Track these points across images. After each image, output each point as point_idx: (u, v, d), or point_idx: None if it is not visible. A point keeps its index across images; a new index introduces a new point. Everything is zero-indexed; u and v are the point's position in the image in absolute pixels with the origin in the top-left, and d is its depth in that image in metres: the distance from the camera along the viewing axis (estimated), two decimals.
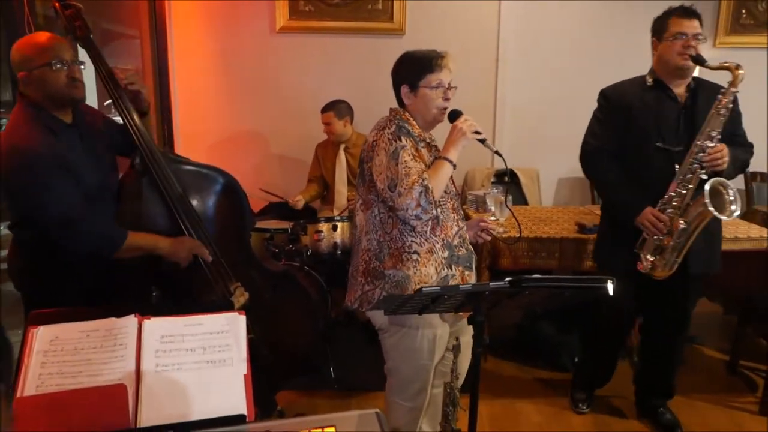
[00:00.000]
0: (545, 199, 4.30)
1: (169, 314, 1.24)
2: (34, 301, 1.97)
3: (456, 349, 1.96)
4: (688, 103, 2.37)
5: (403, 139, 1.91)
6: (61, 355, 1.14)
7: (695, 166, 2.25)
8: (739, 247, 2.91)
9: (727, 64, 2.23)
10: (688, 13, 2.33)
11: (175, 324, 1.22)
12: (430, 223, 1.94)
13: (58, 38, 1.95)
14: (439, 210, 1.95)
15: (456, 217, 2.03)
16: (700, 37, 2.31)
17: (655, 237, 2.34)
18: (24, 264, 2.04)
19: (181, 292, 2.18)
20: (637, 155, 2.41)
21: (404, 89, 2.00)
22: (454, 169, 1.96)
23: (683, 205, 2.28)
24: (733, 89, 2.22)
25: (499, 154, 2.01)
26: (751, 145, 2.45)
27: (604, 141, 2.48)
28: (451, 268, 1.98)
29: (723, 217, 2.20)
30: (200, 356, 1.18)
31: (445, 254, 1.97)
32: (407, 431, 2.15)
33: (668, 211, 2.31)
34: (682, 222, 2.27)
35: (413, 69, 1.99)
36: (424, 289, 1.44)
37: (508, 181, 4.12)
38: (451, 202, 2.03)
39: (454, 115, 1.99)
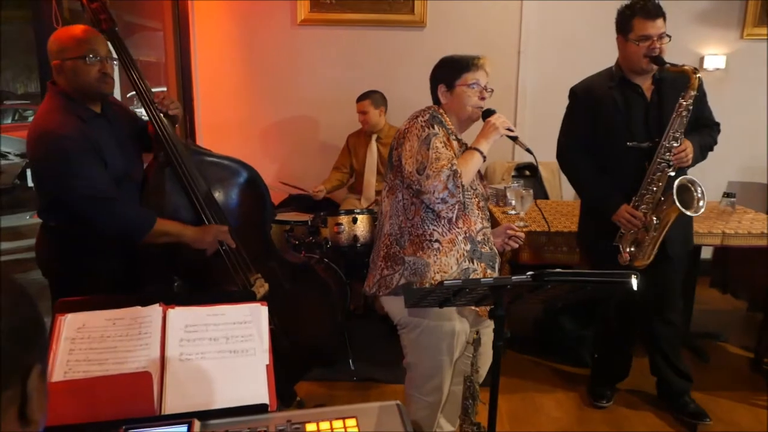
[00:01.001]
0: (566, 193, 4.26)
1: (193, 304, 1.26)
2: (61, 288, 2.02)
3: (476, 343, 1.95)
4: (654, 98, 2.44)
5: (436, 127, 1.94)
6: (88, 342, 1.16)
7: (663, 164, 2.35)
8: (763, 243, 2.85)
9: (685, 68, 2.30)
10: (652, 14, 2.34)
11: (199, 313, 1.24)
12: (455, 210, 1.92)
13: (94, 32, 2.00)
14: (466, 198, 1.97)
15: (482, 216, 2.03)
16: (664, 36, 2.35)
17: (632, 231, 2.44)
18: (51, 251, 2.08)
19: (203, 282, 2.21)
20: (608, 153, 2.50)
21: (441, 88, 2.02)
22: (484, 161, 1.98)
23: (655, 201, 2.39)
24: (692, 92, 2.29)
25: (531, 152, 2.01)
26: (716, 125, 2.55)
27: (576, 138, 2.58)
28: (473, 263, 1.97)
29: (690, 213, 2.31)
30: (223, 346, 1.20)
31: (468, 247, 1.97)
32: (425, 425, 2.15)
33: (641, 207, 2.41)
34: (654, 218, 2.38)
35: (451, 69, 2.01)
36: (445, 282, 1.44)
37: (529, 175, 4.09)
38: (477, 200, 2.02)
39: (488, 113, 2.01)
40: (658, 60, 2.34)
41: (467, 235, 1.97)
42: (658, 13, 2.35)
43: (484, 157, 1.97)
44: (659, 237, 2.41)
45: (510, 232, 2.14)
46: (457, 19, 4.03)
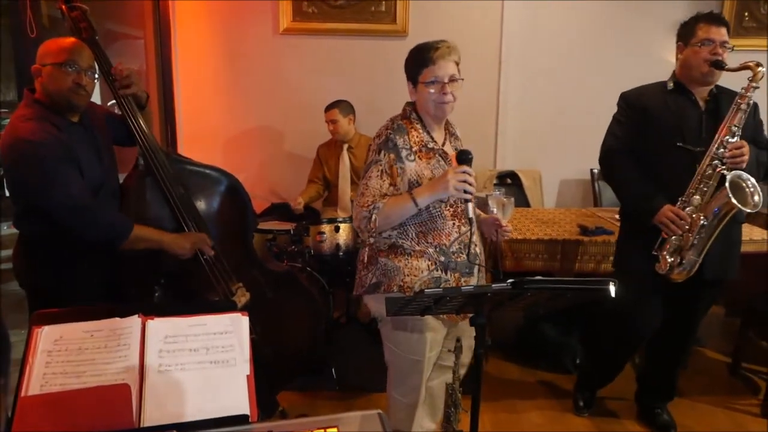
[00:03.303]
0: (547, 201, 4.30)
1: (173, 314, 1.25)
2: (38, 299, 1.99)
3: (457, 351, 1.96)
4: (710, 107, 2.36)
5: (382, 153, 1.91)
6: (66, 354, 1.15)
7: (716, 162, 2.23)
8: (741, 249, 2.90)
9: (749, 64, 2.22)
10: (717, 20, 2.30)
11: (179, 324, 1.23)
12: (416, 230, 1.93)
13: (83, 45, 2.00)
14: (433, 213, 1.93)
15: (456, 223, 1.96)
16: (727, 45, 2.29)
17: (674, 236, 2.30)
18: (29, 262, 2.05)
19: (183, 292, 2.19)
20: (657, 155, 2.38)
21: (409, 86, 1.99)
22: (418, 210, 1.88)
23: (704, 202, 2.25)
24: (753, 84, 2.21)
25: (471, 222, 1.85)
26: None
27: (623, 142, 2.46)
28: (446, 273, 1.95)
29: (746, 210, 2.17)
30: (203, 356, 1.19)
31: (441, 258, 1.95)
32: (403, 427, 2.15)
33: (688, 209, 2.27)
34: (702, 218, 2.23)
35: (412, 65, 1.95)
36: (426, 290, 1.45)
37: (510, 183, 4.13)
38: (451, 209, 1.95)
39: (461, 159, 1.85)
40: (719, 63, 2.25)
41: (439, 248, 1.95)
42: (724, 21, 2.31)
43: (419, 209, 1.87)
44: (707, 243, 2.26)
45: (496, 224, 2.04)
46: (438, 29, 4.03)
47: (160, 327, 1.21)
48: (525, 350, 3.38)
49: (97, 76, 2.02)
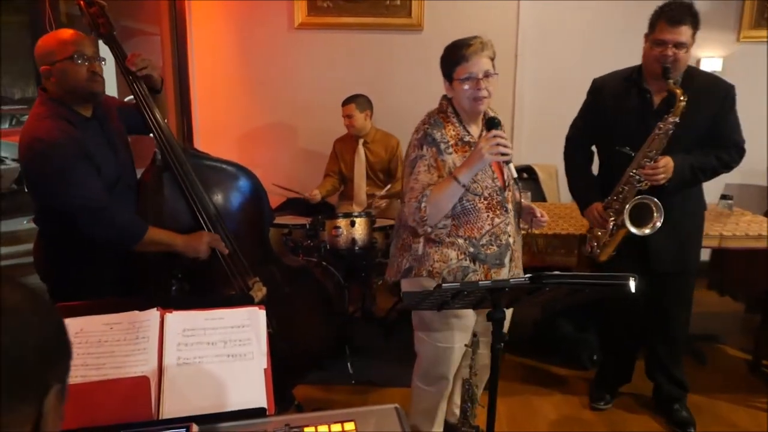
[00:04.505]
0: (564, 196, 4.26)
1: (191, 308, 1.26)
2: (59, 292, 2.01)
3: (474, 346, 1.95)
4: (661, 108, 2.34)
5: (424, 148, 1.94)
6: (86, 347, 1.16)
7: (635, 178, 2.34)
8: (761, 245, 2.86)
9: (674, 89, 2.23)
10: (676, 20, 2.24)
11: (197, 318, 1.23)
12: (450, 224, 1.97)
13: (80, 34, 1.98)
14: (454, 218, 1.97)
15: (490, 215, 1.99)
16: (683, 44, 2.25)
17: (597, 229, 2.52)
18: (49, 256, 2.07)
19: (200, 286, 2.21)
20: (601, 151, 2.59)
21: (445, 83, 2.01)
22: (464, 188, 1.92)
23: (621, 209, 2.40)
24: (671, 118, 2.24)
25: (516, 181, 1.95)
26: (736, 145, 2.43)
27: (581, 132, 2.62)
28: (475, 264, 1.99)
29: (636, 231, 2.34)
30: (221, 350, 1.20)
31: (470, 249, 1.99)
32: (427, 419, 2.17)
33: (609, 210, 2.45)
34: (611, 223, 2.43)
35: (446, 62, 1.98)
36: (443, 285, 1.44)
37: (527, 177, 4.10)
38: (486, 202, 1.98)
39: (490, 125, 1.92)
40: (665, 71, 2.25)
41: (469, 240, 1.98)
42: (682, 20, 2.24)
43: (463, 186, 1.90)
44: (616, 242, 2.44)
45: (531, 213, 2.08)
46: (453, 23, 4.03)
47: (178, 320, 1.22)
48: (541, 345, 3.36)
49: (104, 62, 2.01)
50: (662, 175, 2.30)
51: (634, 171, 2.34)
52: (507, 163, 1.91)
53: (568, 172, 2.71)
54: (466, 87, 1.92)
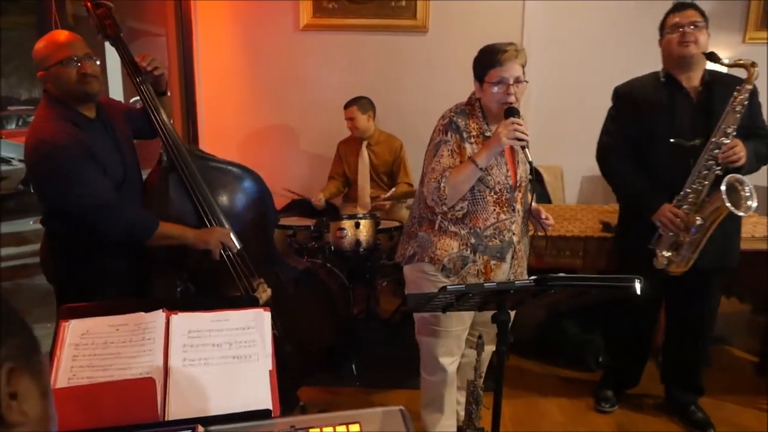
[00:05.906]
0: (569, 197, 4.26)
1: (196, 309, 1.26)
2: (65, 293, 2.02)
3: (479, 347, 1.95)
4: (702, 98, 2.35)
5: (449, 133, 2.02)
6: (92, 348, 1.16)
7: (711, 162, 2.24)
8: (766, 246, 2.85)
9: (741, 62, 2.23)
10: (682, 6, 2.36)
11: (202, 319, 1.24)
12: (464, 210, 2.04)
13: (70, 35, 1.98)
14: (467, 203, 2.03)
15: (497, 210, 2.05)
16: (698, 23, 2.30)
17: (671, 233, 2.34)
18: (55, 257, 2.08)
19: (206, 288, 2.21)
20: (651, 151, 2.41)
21: (475, 84, 2.06)
22: (481, 171, 1.98)
23: (699, 201, 2.28)
24: (748, 86, 2.21)
25: (531, 164, 2.03)
26: None
27: (617, 138, 2.50)
28: (475, 255, 2.05)
29: (740, 213, 2.21)
30: (227, 351, 1.20)
31: (472, 240, 2.05)
32: (435, 409, 2.19)
33: (684, 207, 2.31)
34: (698, 218, 2.27)
35: (481, 64, 2.03)
36: (448, 287, 1.44)
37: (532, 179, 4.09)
38: (495, 196, 2.05)
39: (508, 114, 1.97)
40: (712, 56, 2.25)
41: (473, 230, 2.04)
42: (690, 5, 2.33)
43: (481, 169, 1.97)
44: (702, 240, 2.30)
45: (537, 215, 2.17)
46: (458, 25, 4.03)
47: (184, 322, 1.22)
48: (547, 347, 3.35)
49: (97, 61, 2.01)
50: (741, 155, 2.20)
51: (709, 154, 2.22)
52: (523, 147, 1.97)
53: (617, 180, 2.57)
54: (496, 90, 1.98)
